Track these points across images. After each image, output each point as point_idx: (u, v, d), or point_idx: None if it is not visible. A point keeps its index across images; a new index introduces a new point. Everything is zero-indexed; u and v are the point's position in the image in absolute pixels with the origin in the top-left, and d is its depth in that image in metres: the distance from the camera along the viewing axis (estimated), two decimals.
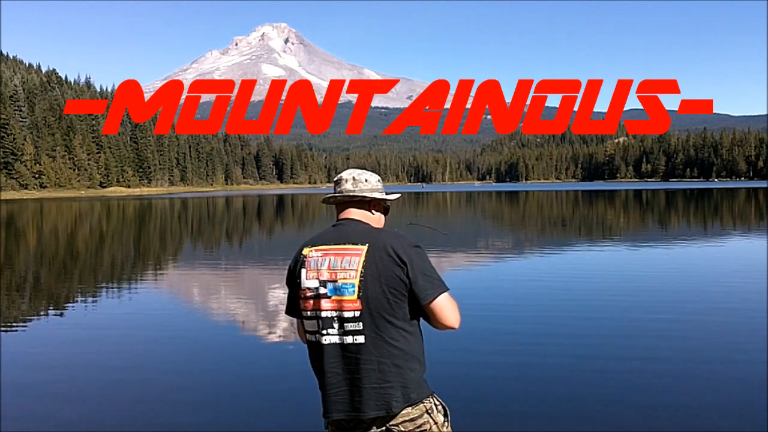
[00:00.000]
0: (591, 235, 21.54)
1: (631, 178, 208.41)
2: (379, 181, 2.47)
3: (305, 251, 2.34)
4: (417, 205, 48.10)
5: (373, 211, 2.44)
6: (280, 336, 7.68)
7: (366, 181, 2.42)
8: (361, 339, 2.21)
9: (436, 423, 2.26)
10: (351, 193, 2.40)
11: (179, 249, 20.09)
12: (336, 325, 2.24)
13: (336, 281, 2.24)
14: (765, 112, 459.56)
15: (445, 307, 2.25)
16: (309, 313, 2.30)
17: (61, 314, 9.31)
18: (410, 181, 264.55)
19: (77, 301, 10.42)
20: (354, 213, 2.41)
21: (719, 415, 4.66)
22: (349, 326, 2.22)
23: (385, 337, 2.21)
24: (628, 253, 15.97)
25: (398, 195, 2.64)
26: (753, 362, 5.96)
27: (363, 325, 2.21)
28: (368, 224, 2.39)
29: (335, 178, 2.48)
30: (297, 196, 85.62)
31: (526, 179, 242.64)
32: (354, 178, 2.42)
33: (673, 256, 15.35)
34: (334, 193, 2.44)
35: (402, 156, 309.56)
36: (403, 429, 2.22)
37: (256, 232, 26.61)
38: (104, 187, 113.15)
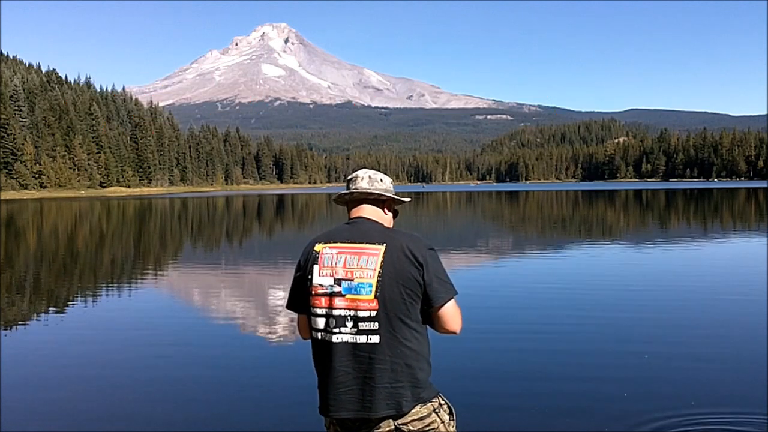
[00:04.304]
0: (591, 236, 21.53)
1: (631, 178, 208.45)
2: (391, 183, 2.49)
3: (318, 247, 2.31)
4: (417, 205, 48.11)
5: (386, 210, 2.45)
6: (280, 335, 7.68)
7: (381, 180, 2.44)
8: (375, 339, 2.20)
9: (443, 422, 2.28)
10: (368, 191, 2.40)
11: (179, 249, 20.08)
12: (350, 324, 2.22)
13: (352, 280, 2.22)
14: (765, 112, 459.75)
15: (453, 312, 2.28)
16: (320, 310, 2.26)
17: (61, 314, 9.30)
18: (410, 181, 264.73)
19: (77, 301, 10.42)
20: (368, 211, 2.40)
21: (719, 412, 4.66)
22: (363, 326, 2.21)
23: (399, 338, 2.21)
24: (628, 254, 15.96)
25: (410, 198, 2.64)
26: (754, 364, 5.97)
27: (378, 325, 2.20)
28: (381, 224, 2.39)
29: (349, 177, 2.48)
30: (297, 196, 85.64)
31: (526, 179, 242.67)
32: (370, 177, 2.43)
33: (672, 256, 15.33)
34: (348, 191, 2.43)
35: (402, 156, 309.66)
36: (411, 428, 2.22)
37: (256, 232, 26.60)
38: (104, 187, 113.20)
